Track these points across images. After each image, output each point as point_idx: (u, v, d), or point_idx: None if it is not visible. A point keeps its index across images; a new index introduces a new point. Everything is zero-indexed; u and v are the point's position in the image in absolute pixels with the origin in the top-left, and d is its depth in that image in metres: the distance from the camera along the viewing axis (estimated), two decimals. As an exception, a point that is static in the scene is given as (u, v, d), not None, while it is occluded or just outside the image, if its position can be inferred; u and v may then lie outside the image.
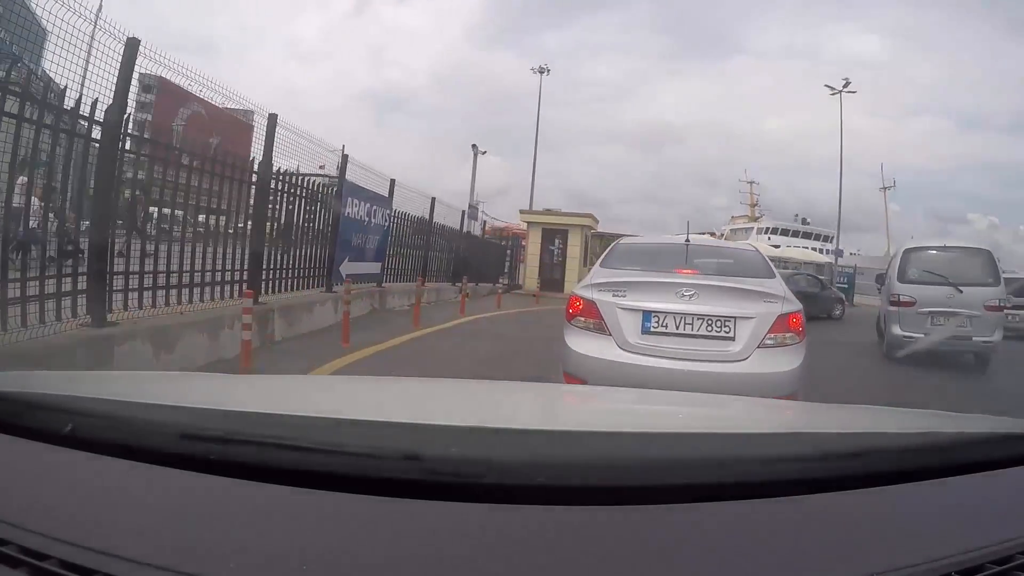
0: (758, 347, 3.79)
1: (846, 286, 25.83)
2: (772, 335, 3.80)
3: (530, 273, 22.89)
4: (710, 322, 3.85)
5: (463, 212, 19.12)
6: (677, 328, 3.88)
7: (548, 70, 34.94)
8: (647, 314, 3.91)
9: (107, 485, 0.81)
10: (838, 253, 33.95)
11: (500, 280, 22.65)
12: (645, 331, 3.91)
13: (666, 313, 3.88)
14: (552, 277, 22.20)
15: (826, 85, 33.44)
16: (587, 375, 3.94)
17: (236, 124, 15.99)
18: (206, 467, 0.80)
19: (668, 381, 3.56)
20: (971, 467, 0.95)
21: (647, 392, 2.69)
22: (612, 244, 5.15)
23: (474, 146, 39.47)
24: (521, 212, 25.45)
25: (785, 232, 42.75)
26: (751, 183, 55.48)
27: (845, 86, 32.90)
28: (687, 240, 4.74)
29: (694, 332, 3.86)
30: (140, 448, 0.85)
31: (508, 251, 25.46)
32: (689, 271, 4.18)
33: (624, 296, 3.98)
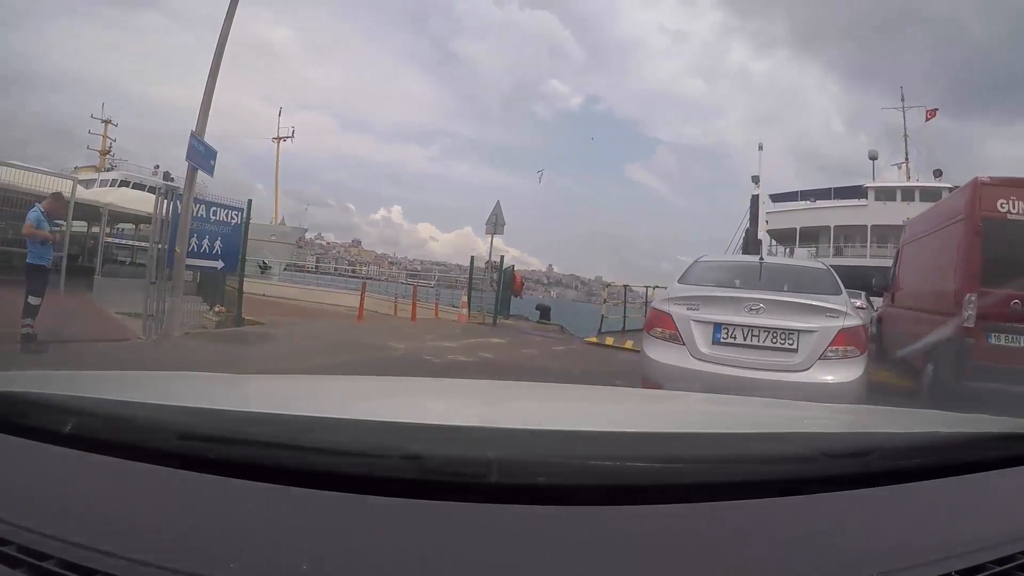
0: (820, 358, 4.03)
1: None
2: (833, 348, 4.03)
3: None
4: (775, 334, 4.12)
5: None
6: (745, 339, 4.16)
7: None
8: (717, 326, 4.21)
9: (107, 485, 0.80)
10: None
11: None
12: (716, 342, 4.20)
13: (735, 325, 4.18)
14: None
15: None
16: (663, 381, 4.22)
17: None
18: (206, 467, 0.80)
19: (736, 388, 3.78)
20: (971, 467, 0.95)
21: (648, 392, 2.86)
22: (693, 262, 5.57)
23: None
24: None
25: (140, 186, 29.27)
26: (106, 122, 41.73)
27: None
28: (761, 259, 5.18)
29: (760, 344, 4.14)
30: (140, 448, 0.84)
31: None
32: (759, 288, 4.51)
33: (697, 309, 4.29)
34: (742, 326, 4.17)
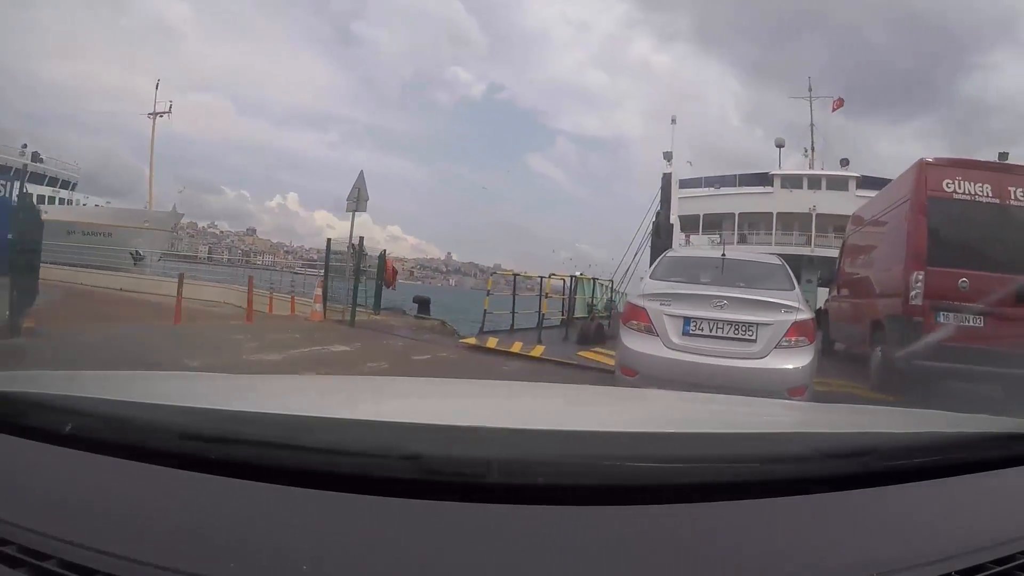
0: (775, 347, 4.61)
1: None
2: (787, 338, 4.62)
3: None
4: (737, 327, 4.70)
5: None
6: (711, 331, 4.73)
7: None
8: (687, 320, 4.79)
9: (107, 485, 0.80)
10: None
11: None
12: (685, 333, 4.78)
13: (702, 319, 4.75)
14: None
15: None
16: (639, 368, 4.85)
17: None
18: (206, 467, 0.79)
19: (703, 373, 4.42)
20: (971, 467, 0.95)
21: (648, 392, 2.90)
22: (661, 256, 6.29)
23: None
24: None
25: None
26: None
27: None
28: (723, 255, 5.64)
29: (724, 335, 4.71)
30: (140, 448, 0.84)
31: None
32: (723, 284, 5.09)
33: (669, 305, 4.86)
34: (708, 320, 4.73)
